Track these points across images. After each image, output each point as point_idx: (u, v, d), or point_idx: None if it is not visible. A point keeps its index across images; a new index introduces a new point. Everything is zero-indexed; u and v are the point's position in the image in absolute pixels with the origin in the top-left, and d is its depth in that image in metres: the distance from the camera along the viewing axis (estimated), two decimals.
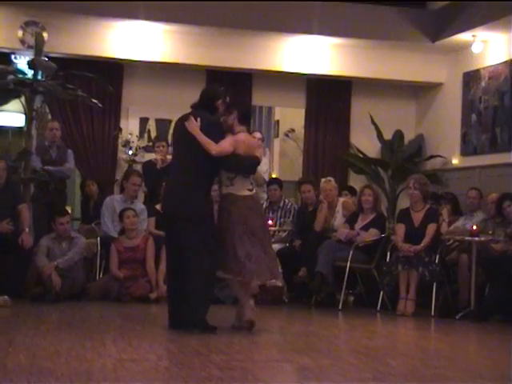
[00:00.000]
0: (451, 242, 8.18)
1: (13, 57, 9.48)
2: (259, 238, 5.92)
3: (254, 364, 4.82)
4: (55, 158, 8.92)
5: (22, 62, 9.31)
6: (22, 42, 9.20)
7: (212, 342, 5.40)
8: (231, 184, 5.92)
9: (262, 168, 9.42)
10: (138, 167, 9.87)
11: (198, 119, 5.78)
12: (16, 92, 8.35)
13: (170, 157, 9.61)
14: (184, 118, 5.87)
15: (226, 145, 5.81)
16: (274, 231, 8.77)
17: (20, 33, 9.17)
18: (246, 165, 5.96)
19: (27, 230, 7.79)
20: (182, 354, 4.89)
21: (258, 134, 9.72)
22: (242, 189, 5.94)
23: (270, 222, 8.57)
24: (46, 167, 8.68)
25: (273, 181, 9.20)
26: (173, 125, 6.46)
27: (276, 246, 8.61)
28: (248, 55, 9.82)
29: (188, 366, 4.46)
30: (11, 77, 8.41)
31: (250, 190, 6.01)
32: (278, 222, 8.87)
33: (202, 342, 5.35)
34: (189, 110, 9.87)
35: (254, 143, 6.21)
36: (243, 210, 5.89)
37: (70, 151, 9.10)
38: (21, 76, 8.40)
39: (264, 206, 9.00)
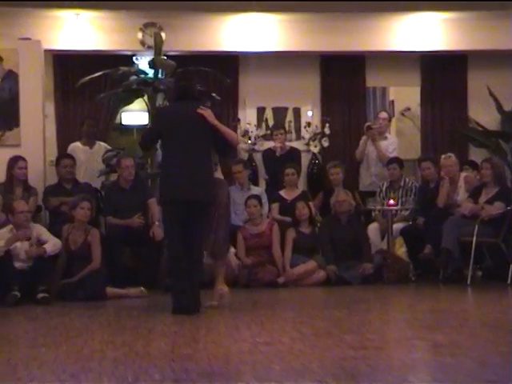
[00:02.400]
0: None
1: (134, 58, 9.80)
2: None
3: (386, 343, 4.87)
4: None
5: (143, 63, 9.62)
6: (142, 43, 9.50)
7: (343, 322, 5.50)
8: (215, 169, 6.25)
9: (389, 148, 9.46)
10: (258, 156, 10.05)
11: (208, 110, 6.12)
12: (139, 91, 8.65)
13: (288, 143, 9.82)
14: (189, 107, 6.09)
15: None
16: (397, 210, 8.78)
17: (140, 35, 9.47)
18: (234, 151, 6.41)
19: (157, 223, 8.08)
20: (315, 335, 5.00)
21: (383, 114, 9.76)
22: (220, 173, 6.33)
23: (391, 201, 8.60)
24: None
25: (392, 160, 9.18)
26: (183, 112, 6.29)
27: (399, 225, 8.65)
28: (360, 37, 9.76)
29: (321, 347, 4.57)
30: (134, 77, 8.73)
31: None
32: (399, 201, 8.87)
33: (333, 323, 5.46)
34: (303, 97, 10.06)
35: None
36: (225, 194, 6.27)
37: None
38: (143, 76, 8.69)
39: (384, 186, 9.03)
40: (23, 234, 7.22)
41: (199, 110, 6.07)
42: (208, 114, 6.07)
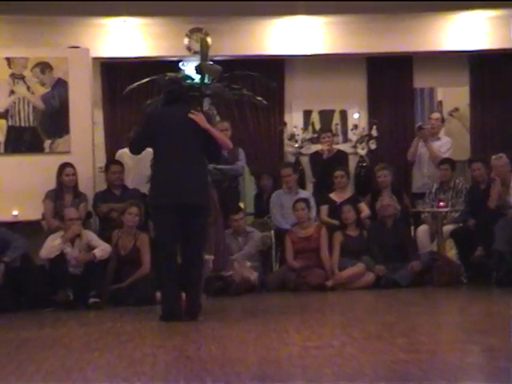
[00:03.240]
0: None
1: (180, 64, 9.85)
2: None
3: (439, 346, 4.80)
4: (227, 157, 9.22)
5: (189, 68, 9.66)
6: (188, 48, 9.55)
7: (393, 325, 5.46)
8: None
9: (442, 148, 9.36)
10: (305, 159, 10.04)
11: (200, 113, 6.16)
12: None
13: (335, 146, 9.79)
14: (180, 110, 6.08)
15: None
16: (447, 212, 8.69)
17: (186, 40, 9.53)
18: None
19: None
20: (365, 339, 4.97)
21: (436, 115, 9.67)
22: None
23: (441, 203, 8.51)
24: (219, 166, 9.00)
25: (444, 160, 9.06)
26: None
27: (449, 227, 8.55)
28: (407, 38, 9.68)
29: (372, 350, 4.54)
30: None
31: None
32: (449, 203, 8.77)
33: (384, 326, 5.42)
34: (350, 99, 10.00)
35: None
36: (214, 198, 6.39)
37: (240, 149, 9.38)
38: (189, 81, 8.75)
39: (434, 187, 8.93)
40: (74, 230, 7.34)
41: (190, 115, 6.04)
42: (199, 118, 6.06)
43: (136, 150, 6.48)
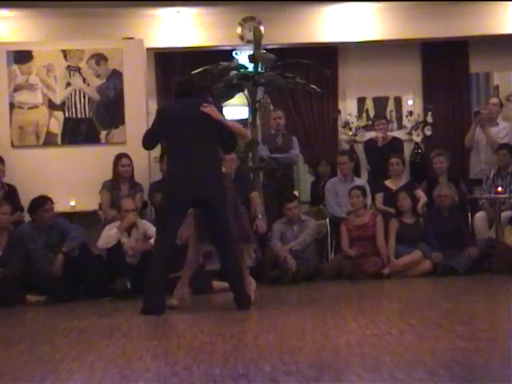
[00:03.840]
0: None
1: (234, 53, 9.88)
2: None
3: (499, 334, 4.73)
4: (281, 146, 9.24)
5: (242, 57, 9.69)
6: (242, 37, 9.56)
7: (452, 313, 5.40)
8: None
9: (500, 134, 9.21)
10: (360, 147, 9.98)
11: (212, 106, 6.04)
12: (239, 86, 8.70)
13: (390, 133, 9.70)
14: (192, 104, 6.02)
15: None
16: (505, 198, 8.54)
17: (239, 29, 9.55)
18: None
19: (260, 216, 8.12)
20: (424, 327, 4.93)
21: (494, 100, 9.51)
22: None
23: (499, 189, 8.36)
24: (273, 155, 9.02)
25: (502, 145, 8.88)
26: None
27: (508, 213, 8.42)
28: (462, 22, 9.53)
29: (432, 338, 4.49)
30: (234, 72, 8.77)
31: None
32: (507, 189, 8.62)
33: (442, 314, 5.37)
34: (404, 86, 9.90)
35: None
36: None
37: (294, 138, 9.37)
38: (243, 70, 8.73)
39: (491, 173, 8.79)
40: (131, 220, 7.45)
41: (202, 108, 5.98)
42: (212, 110, 6.00)
43: (149, 145, 6.42)
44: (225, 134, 6.07)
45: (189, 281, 6.37)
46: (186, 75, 6.53)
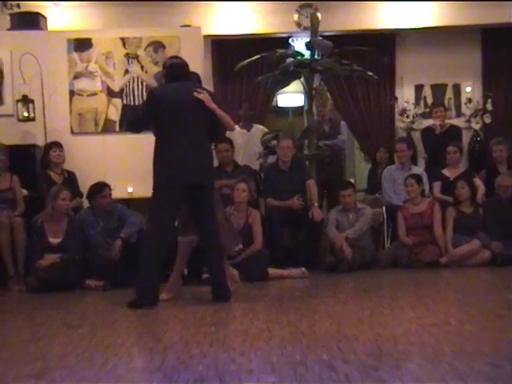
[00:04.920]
0: None
1: (290, 40, 9.86)
2: None
3: None
4: (328, 132, 9.20)
5: (299, 44, 9.66)
6: (298, 24, 9.54)
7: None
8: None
9: None
10: (417, 134, 9.88)
11: (205, 92, 5.91)
12: (296, 73, 8.68)
13: (448, 121, 9.57)
14: (186, 88, 5.89)
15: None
16: None
17: (296, 16, 9.52)
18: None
19: (316, 204, 8.12)
20: (484, 317, 4.86)
21: None
22: None
23: None
24: (320, 142, 8.96)
25: None
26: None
27: None
28: None
29: (492, 329, 4.43)
30: (290, 59, 8.77)
31: None
32: None
33: (503, 304, 5.29)
34: (463, 73, 9.74)
35: None
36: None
37: (342, 123, 9.32)
38: (299, 57, 8.71)
39: None
40: None
41: (196, 94, 5.86)
42: (205, 97, 5.88)
43: (137, 129, 6.10)
44: (214, 122, 5.95)
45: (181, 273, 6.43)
46: (177, 57, 6.31)
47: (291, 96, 11.27)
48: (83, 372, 3.70)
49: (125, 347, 4.24)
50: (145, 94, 8.79)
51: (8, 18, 8.93)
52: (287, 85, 9.03)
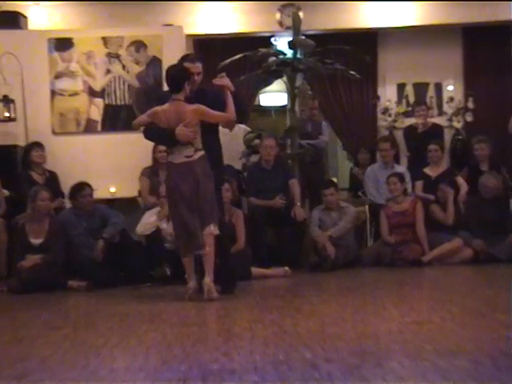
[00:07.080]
0: None
1: (273, 39, 9.86)
2: (188, 203, 5.82)
3: None
4: (311, 132, 9.21)
5: (281, 43, 9.66)
6: (280, 23, 9.54)
7: (494, 301, 5.33)
8: (171, 152, 5.94)
9: None
10: (399, 133, 9.90)
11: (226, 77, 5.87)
12: (278, 72, 8.68)
13: (430, 120, 9.60)
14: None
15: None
16: None
17: (278, 15, 9.53)
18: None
19: (298, 203, 8.12)
20: (466, 315, 4.86)
21: None
22: (179, 157, 5.84)
23: None
24: (302, 141, 8.96)
25: None
26: None
27: None
28: (505, 6, 9.39)
29: (474, 326, 4.44)
30: (273, 58, 8.77)
31: (189, 157, 5.84)
32: None
33: (485, 302, 5.30)
34: (445, 72, 9.74)
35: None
36: (176, 177, 5.86)
37: (324, 123, 9.33)
38: (281, 57, 8.71)
39: None
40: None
41: (216, 81, 5.83)
42: (226, 82, 5.81)
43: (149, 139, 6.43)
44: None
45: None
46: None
47: (274, 95, 11.27)
48: (66, 373, 3.67)
49: (107, 348, 4.22)
50: (126, 94, 8.77)
51: None
52: (270, 84, 9.04)
